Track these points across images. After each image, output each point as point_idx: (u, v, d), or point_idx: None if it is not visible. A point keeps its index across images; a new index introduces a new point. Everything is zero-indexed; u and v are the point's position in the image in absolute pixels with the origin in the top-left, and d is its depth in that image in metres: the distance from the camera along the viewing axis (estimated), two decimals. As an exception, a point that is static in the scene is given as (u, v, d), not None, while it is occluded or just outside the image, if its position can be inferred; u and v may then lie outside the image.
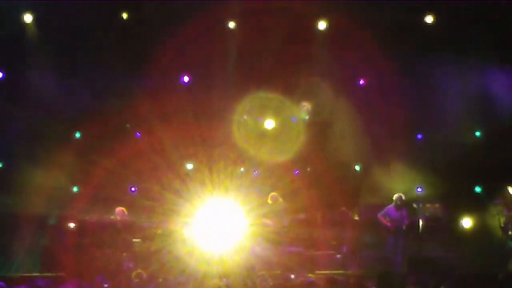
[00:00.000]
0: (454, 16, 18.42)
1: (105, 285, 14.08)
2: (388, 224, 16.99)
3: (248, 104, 19.48)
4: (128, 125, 19.40)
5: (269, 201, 17.09)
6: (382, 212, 17.15)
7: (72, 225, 16.90)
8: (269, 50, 19.05)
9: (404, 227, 17.20)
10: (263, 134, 19.78)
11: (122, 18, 18.78)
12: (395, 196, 17.18)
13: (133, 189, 19.19)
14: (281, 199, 17.11)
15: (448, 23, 18.54)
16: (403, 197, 17.17)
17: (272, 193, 17.18)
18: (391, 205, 17.20)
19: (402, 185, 18.35)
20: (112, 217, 16.58)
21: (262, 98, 19.41)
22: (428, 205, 18.30)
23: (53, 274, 15.65)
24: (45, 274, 15.76)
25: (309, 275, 15.50)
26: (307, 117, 19.83)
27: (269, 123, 19.79)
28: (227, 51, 19.28)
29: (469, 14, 18.21)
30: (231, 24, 19.13)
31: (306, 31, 19.25)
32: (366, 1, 18.23)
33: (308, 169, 19.60)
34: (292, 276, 15.17)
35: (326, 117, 19.71)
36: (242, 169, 19.13)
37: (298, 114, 19.78)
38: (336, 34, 19.04)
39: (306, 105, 19.77)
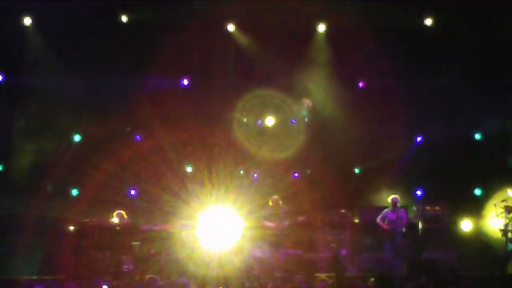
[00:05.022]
0: (454, 18, 18.42)
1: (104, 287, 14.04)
2: (386, 227, 16.98)
3: (248, 103, 19.43)
4: (128, 129, 19.37)
5: (270, 203, 17.07)
6: (380, 216, 17.13)
7: (71, 227, 16.86)
8: (269, 50, 19.03)
9: (403, 229, 17.22)
10: (263, 132, 19.74)
11: (122, 20, 18.79)
12: (390, 198, 17.16)
13: (133, 192, 19.17)
14: (281, 202, 17.08)
15: (447, 25, 18.57)
16: (399, 199, 17.15)
17: (274, 196, 17.16)
18: (388, 208, 17.17)
19: (402, 187, 18.36)
20: (111, 219, 16.56)
21: (262, 96, 19.38)
22: (428, 207, 18.25)
23: (52, 277, 15.62)
24: (44, 276, 15.73)
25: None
26: (307, 117, 19.74)
27: (269, 121, 19.75)
28: (226, 52, 19.25)
29: (469, 16, 18.21)
30: (231, 25, 19.11)
31: (306, 31, 19.23)
32: (366, 2, 18.23)
33: (308, 171, 19.55)
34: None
35: (326, 118, 19.65)
36: (242, 171, 19.12)
37: (299, 111, 19.72)
38: (336, 34, 19.03)
39: (307, 102, 19.70)
